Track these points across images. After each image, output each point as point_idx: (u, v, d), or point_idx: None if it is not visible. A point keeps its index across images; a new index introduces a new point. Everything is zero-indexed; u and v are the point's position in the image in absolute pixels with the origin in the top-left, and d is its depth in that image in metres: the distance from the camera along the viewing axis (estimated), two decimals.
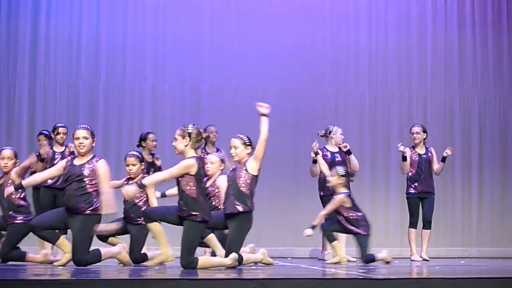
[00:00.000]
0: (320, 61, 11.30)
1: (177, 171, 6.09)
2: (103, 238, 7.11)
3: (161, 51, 10.99)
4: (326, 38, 11.34)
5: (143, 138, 9.07)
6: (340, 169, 7.89)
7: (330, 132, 8.87)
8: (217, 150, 9.30)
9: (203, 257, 6.29)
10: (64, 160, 6.69)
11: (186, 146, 6.16)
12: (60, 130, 8.78)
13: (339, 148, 8.89)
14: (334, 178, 7.84)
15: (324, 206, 8.45)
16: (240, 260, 6.42)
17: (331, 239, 7.90)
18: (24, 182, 6.72)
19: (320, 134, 8.98)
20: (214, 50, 11.10)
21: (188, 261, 5.96)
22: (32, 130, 10.38)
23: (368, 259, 7.60)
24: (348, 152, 8.90)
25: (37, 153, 8.48)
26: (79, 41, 10.81)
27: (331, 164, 8.66)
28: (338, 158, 8.83)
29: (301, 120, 11.16)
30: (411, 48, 11.53)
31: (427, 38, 11.55)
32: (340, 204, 7.74)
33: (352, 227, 7.73)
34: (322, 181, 8.77)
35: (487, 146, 11.54)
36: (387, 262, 7.61)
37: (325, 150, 8.88)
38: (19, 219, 7.12)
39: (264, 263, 6.95)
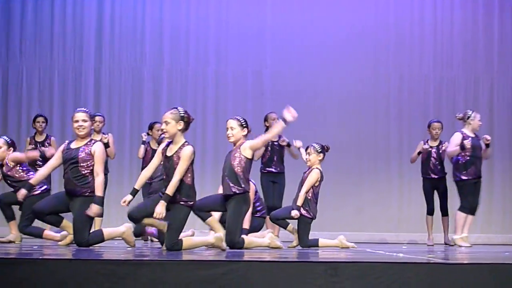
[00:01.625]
0: (384, 44, 11.19)
1: (185, 164, 5.83)
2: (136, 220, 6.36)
3: (224, 36, 11.04)
4: (390, 20, 11.22)
5: (150, 127, 9.39)
6: (317, 146, 7.65)
7: (468, 117, 8.82)
8: (279, 137, 9.31)
9: (186, 238, 6.13)
10: (61, 146, 6.67)
11: (179, 130, 5.94)
12: (97, 118, 9.03)
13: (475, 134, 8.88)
14: (313, 156, 7.61)
15: (463, 191, 8.66)
16: (241, 243, 6.41)
17: (285, 225, 7.71)
18: (33, 181, 6.69)
19: (458, 117, 8.99)
20: (277, 35, 11.09)
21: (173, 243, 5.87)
22: None
23: (308, 243, 7.39)
24: (487, 145, 8.90)
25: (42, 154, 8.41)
26: (143, 27, 10.96)
27: (473, 148, 8.69)
28: (478, 144, 8.82)
29: (364, 104, 11.08)
30: (477, 28, 11.30)
31: (494, 18, 11.29)
32: (317, 179, 7.51)
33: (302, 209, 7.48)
34: (462, 166, 8.74)
35: None
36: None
37: (464, 133, 8.83)
38: (36, 192, 7.32)
39: (272, 247, 6.80)
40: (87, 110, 6.72)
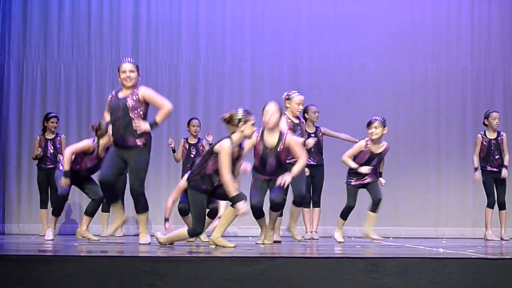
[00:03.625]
0: (420, 36, 11.08)
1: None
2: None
3: (259, 31, 11.03)
4: (427, 11, 11.11)
5: (188, 123, 9.83)
6: (381, 119, 8.03)
7: None
8: (316, 129, 9.24)
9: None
10: (108, 98, 6.80)
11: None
12: None
13: None
14: (380, 129, 8.00)
15: None
16: None
17: None
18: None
19: None
20: (312, 29, 11.05)
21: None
22: None
23: None
24: None
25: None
26: (179, 24, 10.99)
27: None
28: None
29: (400, 97, 10.99)
30: None
31: None
32: None
33: None
34: None
35: None
36: None
37: None
38: None
39: None
40: (134, 61, 6.75)
